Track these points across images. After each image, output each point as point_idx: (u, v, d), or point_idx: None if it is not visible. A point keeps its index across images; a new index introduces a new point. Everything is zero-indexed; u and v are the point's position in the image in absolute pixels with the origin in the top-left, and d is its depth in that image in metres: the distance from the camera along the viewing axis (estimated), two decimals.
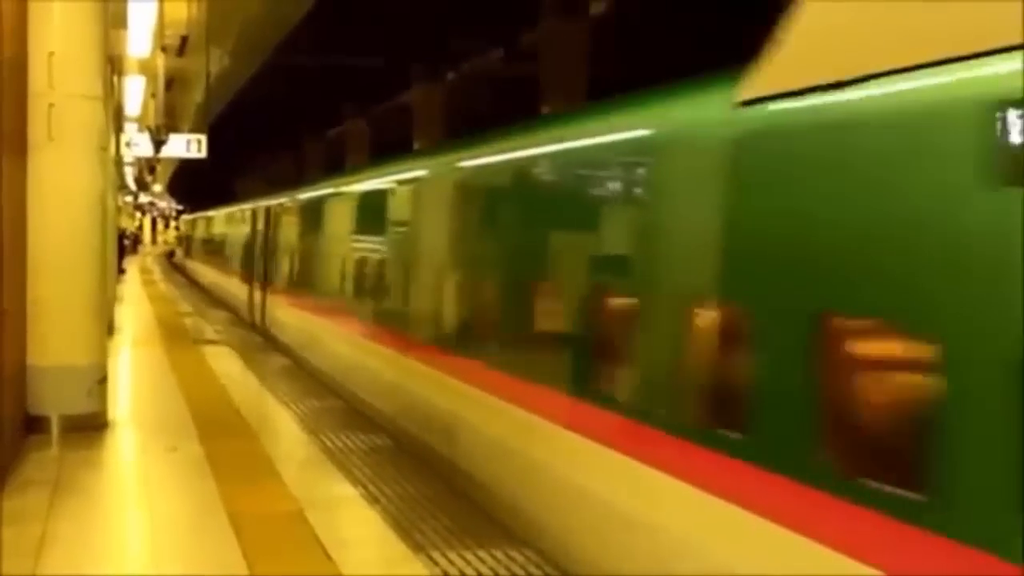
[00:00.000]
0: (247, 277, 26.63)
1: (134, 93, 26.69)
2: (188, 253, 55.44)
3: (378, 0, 23.97)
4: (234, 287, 29.44)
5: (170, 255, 73.47)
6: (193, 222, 55.72)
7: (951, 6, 4.26)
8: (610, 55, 23.07)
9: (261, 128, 45.41)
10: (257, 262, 25.43)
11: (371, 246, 13.60)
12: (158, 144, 22.81)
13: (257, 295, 24.67)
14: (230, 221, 34.09)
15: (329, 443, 10.75)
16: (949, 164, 4.16)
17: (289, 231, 21.60)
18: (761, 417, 5.24)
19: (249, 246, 27.17)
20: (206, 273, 40.10)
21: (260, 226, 25.52)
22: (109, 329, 19.24)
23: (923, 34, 4.39)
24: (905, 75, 4.43)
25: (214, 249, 38.21)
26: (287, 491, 8.82)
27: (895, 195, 4.45)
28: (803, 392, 4.93)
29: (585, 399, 7.12)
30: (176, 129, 27.54)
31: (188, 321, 24.78)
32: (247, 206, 29.26)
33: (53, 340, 10.87)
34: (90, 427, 10.95)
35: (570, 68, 21.61)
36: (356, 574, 6.80)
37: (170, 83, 25.46)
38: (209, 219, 43.69)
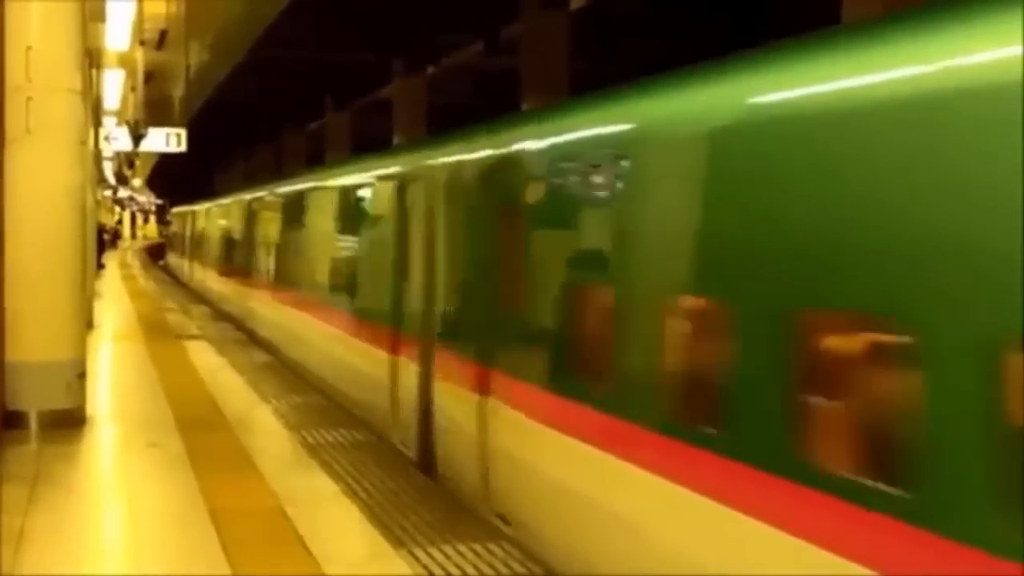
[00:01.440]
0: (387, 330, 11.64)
1: (113, 87, 26.60)
2: (189, 257, 38.03)
3: None
4: (324, 338, 14.81)
5: (152, 251, 69.93)
6: (194, 215, 37.57)
7: None
8: (591, 49, 23.09)
9: (241, 122, 45.31)
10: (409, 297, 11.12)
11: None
12: (137, 138, 22.74)
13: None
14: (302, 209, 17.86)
15: (310, 438, 10.73)
16: None
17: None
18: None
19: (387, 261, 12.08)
20: (234, 294, 24.84)
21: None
22: (88, 324, 19.18)
23: None
24: None
25: (255, 258, 21.96)
26: (267, 486, 8.80)
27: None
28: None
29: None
30: (156, 123, 27.45)
31: (168, 316, 24.69)
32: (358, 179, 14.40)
33: (32, 335, 10.82)
34: (69, 422, 10.90)
35: (551, 62, 21.59)
36: (336, 569, 6.79)
37: (149, 77, 25.38)
38: (238, 207, 25.72)
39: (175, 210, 52.40)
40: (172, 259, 49.61)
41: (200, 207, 36.17)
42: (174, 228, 51.18)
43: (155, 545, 7.49)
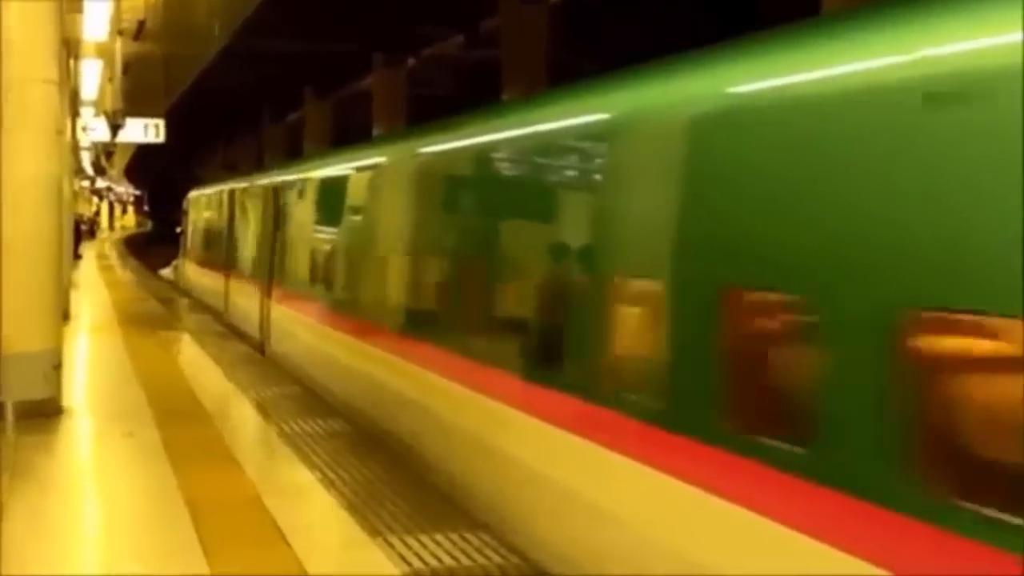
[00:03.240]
0: None
1: (91, 77, 26.48)
2: (240, 271, 21.53)
3: None
4: None
5: (129, 242, 69.16)
6: (265, 194, 19.25)
7: None
8: (571, 41, 23.11)
9: (221, 113, 45.17)
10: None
11: None
12: (115, 129, 22.67)
13: None
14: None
15: (287, 428, 10.72)
16: None
17: None
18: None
19: None
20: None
21: None
22: (64, 315, 19.11)
23: None
24: None
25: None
26: (244, 477, 8.80)
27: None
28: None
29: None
30: (134, 114, 27.35)
31: (145, 306, 24.62)
32: None
33: (7, 326, 10.78)
34: (45, 413, 10.87)
35: (531, 53, 21.61)
36: (314, 559, 6.80)
37: (127, 67, 25.29)
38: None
39: (195, 194, 31.22)
40: (191, 271, 30.39)
41: (272, 179, 18.87)
42: (196, 219, 30.09)
43: (131, 536, 7.48)
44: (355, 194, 13.58)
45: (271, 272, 17.65)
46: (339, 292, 13.43)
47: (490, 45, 24.15)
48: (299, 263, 15.65)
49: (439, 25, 26.62)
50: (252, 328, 18.72)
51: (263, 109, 44.06)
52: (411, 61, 30.44)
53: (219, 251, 24.31)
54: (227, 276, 22.67)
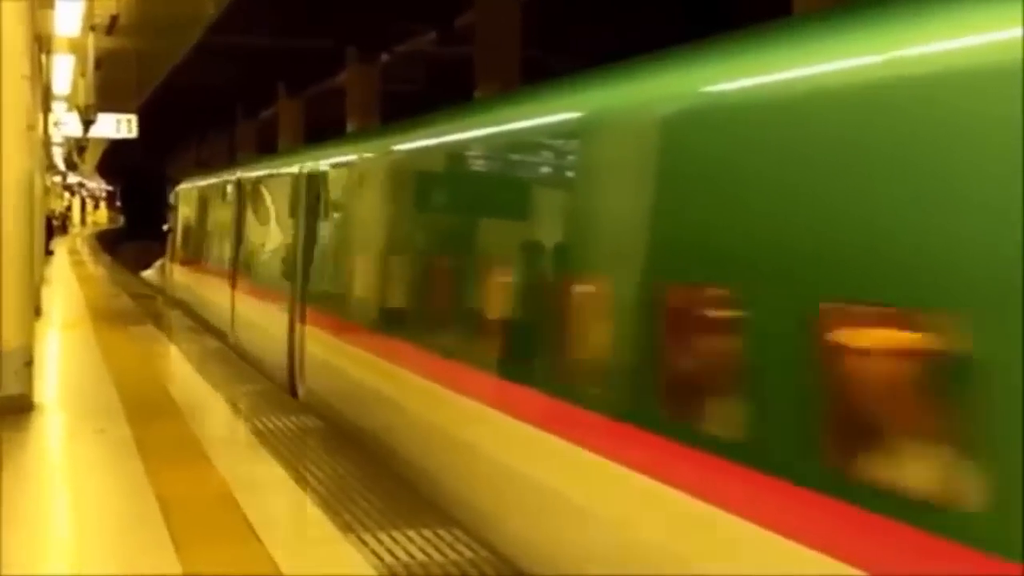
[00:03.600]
0: None
1: (63, 73, 26.34)
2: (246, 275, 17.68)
3: None
4: None
5: (102, 238, 68.65)
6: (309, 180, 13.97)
7: None
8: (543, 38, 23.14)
9: (194, 109, 45.02)
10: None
11: None
12: (87, 124, 22.54)
13: None
14: None
15: (259, 425, 10.71)
16: None
17: None
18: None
19: None
20: None
21: None
22: (36, 311, 19.02)
23: None
24: None
25: None
26: (216, 473, 8.79)
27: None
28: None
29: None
30: (107, 109, 27.23)
31: (117, 302, 24.52)
32: None
33: None
34: (16, 409, 10.83)
35: (504, 50, 21.63)
36: (285, 555, 6.80)
37: (100, 63, 25.16)
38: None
39: (187, 186, 26.24)
40: (183, 277, 25.17)
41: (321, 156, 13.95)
42: (189, 216, 25.08)
43: (102, 532, 7.47)
44: (451, 181, 9.43)
45: (304, 285, 13.17)
46: (427, 319, 9.30)
47: (464, 42, 24.16)
48: (358, 275, 11.47)
49: (413, 21, 26.62)
50: (275, 357, 14.00)
51: (236, 105, 43.94)
52: (384, 57, 30.42)
53: (222, 255, 19.34)
54: (234, 287, 17.84)
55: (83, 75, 24.92)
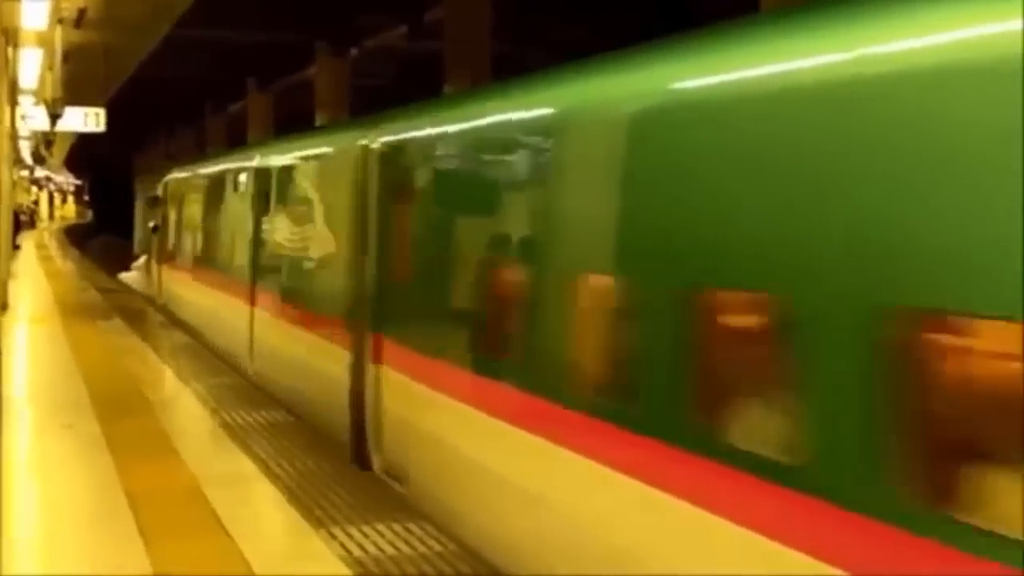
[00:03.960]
0: None
1: (30, 66, 26.17)
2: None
3: None
4: None
5: (70, 232, 67.90)
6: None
7: None
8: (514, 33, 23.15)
9: (163, 103, 44.79)
10: None
11: None
12: (54, 118, 22.39)
13: None
14: None
15: (228, 419, 10.71)
16: None
17: None
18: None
19: None
20: None
21: None
22: (3, 306, 18.94)
23: None
24: None
25: None
26: (185, 467, 8.79)
27: None
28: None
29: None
30: (75, 103, 27.06)
31: (85, 296, 24.39)
32: None
33: None
34: None
35: (474, 45, 21.62)
36: (255, 549, 6.81)
37: (68, 56, 25.01)
38: None
39: (181, 175, 22.93)
40: (178, 285, 21.40)
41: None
42: (185, 212, 21.64)
43: (70, 527, 7.46)
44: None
45: (379, 309, 9.48)
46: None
47: (434, 36, 24.13)
48: (478, 294, 7.65)
49: (382, 15, 26.56)
50: (328, 408, 10.48)
51: (205, 99, 43.75)
52: (354, 52, 30.35)
53: (234, 261, 15.67)
54: (253, 302, 14.20)
55: (51, 69, 24.76)
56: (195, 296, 19.01)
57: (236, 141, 38.66)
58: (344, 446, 9.80)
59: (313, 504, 7.83)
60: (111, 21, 23.43)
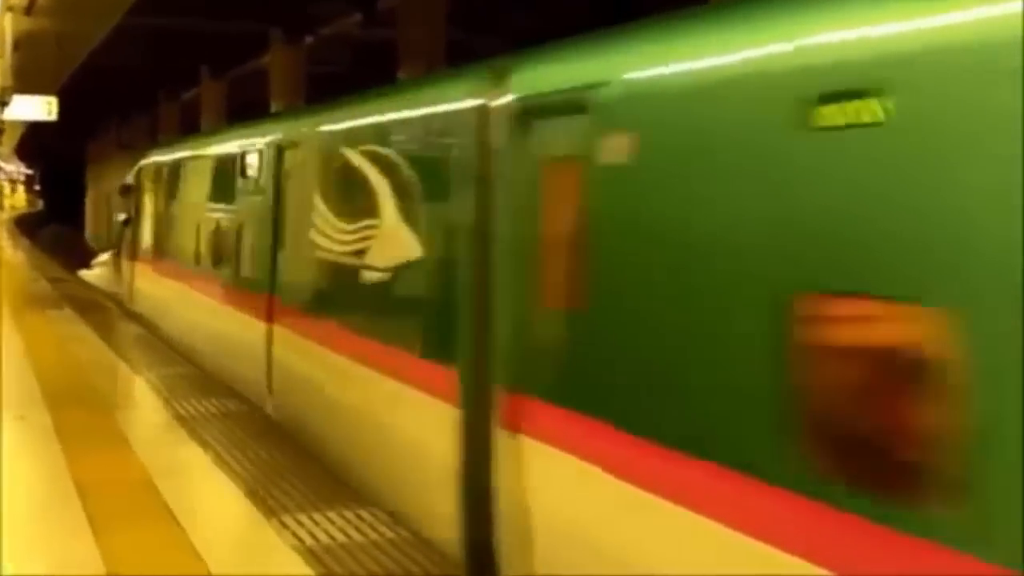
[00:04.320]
0: None
1: None
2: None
3: None
4: None
5: (21, 223, 66.89)
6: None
7: None
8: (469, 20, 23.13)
9: (115, 91, 44.44)
10: None
11: None
12: (2, 106, 22.18)
13: None
14: None
15: (181, 410, 10.66)
16: None
17: None
18: None
19: None
20: None
21: None
22: None
23: None
24: None
25: None
26: (136, 458, 8.75)
27: None
28: None
29: None
30: (26, 91, 26.83)
31: (36, 287, 24.19)
32: None
33: None
34: None
35: (428, 33, 21.59)
36: (205, 538, 6.80)
37: (18, 44, 24.79)
38: None
39: (160, 159, 19.26)
40: (159, 290, 17.91)
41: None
42: (168, 203, 18.22)
43: (20, 518, 7.39)
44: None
45: (477, 334, 6.65)
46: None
47: (388, 24, 24.08)
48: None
49: (337, 3, 26.48)
50: (409, 471, 7.72)
51: (158, 87, 43.43)
52: (309, 39, 30.23)
53: (242, 266, 12.73)
54: (270, 318, 11.25)
55: (0, 57, 24.55)
56: (181, 304, 15.97)
57: (190, 129, 38.40)
58: (441, 530, 7.01)
59: (266, 494, 7.82)
60: (62, 8, 23.25)
